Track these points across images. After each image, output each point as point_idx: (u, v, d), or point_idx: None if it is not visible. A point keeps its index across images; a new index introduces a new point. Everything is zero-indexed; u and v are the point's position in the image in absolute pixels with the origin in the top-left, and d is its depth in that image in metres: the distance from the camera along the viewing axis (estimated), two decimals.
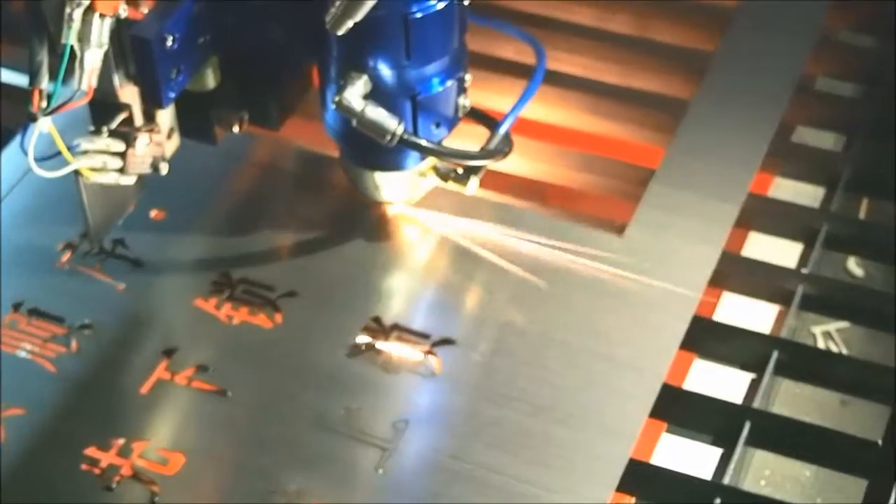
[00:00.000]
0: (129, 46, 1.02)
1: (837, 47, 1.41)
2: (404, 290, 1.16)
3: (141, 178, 1.08)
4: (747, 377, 1.13)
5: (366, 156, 1.15)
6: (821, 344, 1.17)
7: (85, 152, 1.03)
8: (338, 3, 0.99)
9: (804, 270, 1.20)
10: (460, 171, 1.15)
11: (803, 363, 1.13)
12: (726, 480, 1.04)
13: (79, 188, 1.05)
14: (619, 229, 1.20)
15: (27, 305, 1.14)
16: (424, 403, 1.07)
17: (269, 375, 1.09)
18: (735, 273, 1.19)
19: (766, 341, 1.14)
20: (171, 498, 1.01)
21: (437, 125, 1.11)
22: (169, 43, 1.02)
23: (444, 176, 1.16)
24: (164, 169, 1.08)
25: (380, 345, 1.10)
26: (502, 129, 1.13)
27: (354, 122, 1.07)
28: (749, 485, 1.08)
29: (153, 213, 1.20)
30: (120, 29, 1.00)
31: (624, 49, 1.41)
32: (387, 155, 1.13)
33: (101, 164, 1.04)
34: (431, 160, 1.15)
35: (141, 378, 1.08)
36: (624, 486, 1.03)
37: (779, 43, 1.36)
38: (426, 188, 1.19)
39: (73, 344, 1.11)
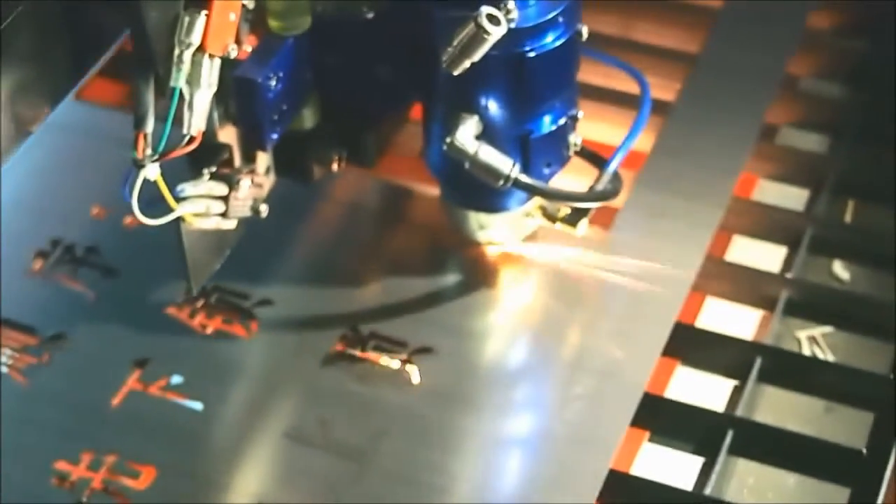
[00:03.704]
0: (232, 87, 0.99)
1: (822, 48, 1.39)
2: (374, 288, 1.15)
3: (240, 221, 1.04)
4: (730, 384, 1.12)
5: (471, 196, 1.11)
6: (806, 349, 1.15)
7: (188, 198, 0.99)
8: (455, 43, 0.96)
9: (789, 275, 1.18)
10: (568, 211, 1.11)
11: (787, 370, 1.12)
12: (708, 490, 1.03)
13: (179, 234, 1.01)
14: (601, 233, 1.18)
15: None
16: (401, 414, 1.05)
17: (243, 386, 1.08)
18: (718, 278, 1.18)
19: (749, 348, 1.12)
20: None
21: (549, 165, 1.07)
22: (273, 83, 1.00)
23: (552, 217, 1.12)
24: (264, 211, 1.05)
25: (357, 354, 1.09)
26: (611, 168, 1.09)
27: (466, 164, 1.02)
28: (732, 494, 1.06)
29: (127, 220, 1.18)
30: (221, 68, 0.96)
31: (608, 49, 1.39)
32: (493, 195, 1.08)
33: (204, 208, 1.01)
34: (537, 200, 1.11)
35: (113, 389, 1.07)
36: (604, 498, 1.01)
37: (763, 44, 1.35)
38: (530, 228, 1.15)
39: (44, 354, 1.09)
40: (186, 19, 0.91)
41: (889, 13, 1.35)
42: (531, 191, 1.06)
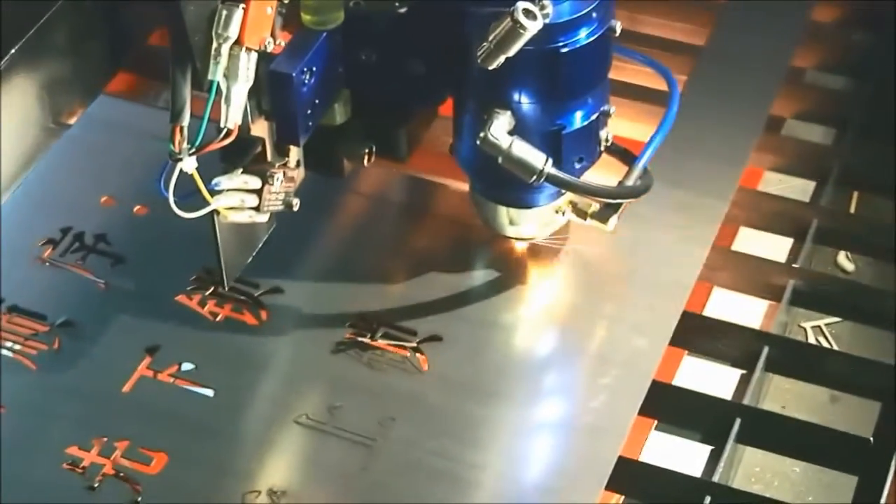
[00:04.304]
0: (266, 81, 0.99)
1: (827, 41, 1.40)
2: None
3: (271, 215, 1.05)
4: (737, 373, 1.12)
5: (502, 191, 1.11)
6: (811, 339, 1.16)
7: (223, 191, 1.00)
8: (491, 38, 0.95)
9: (795, 265, 1.19)
10: (598, 207, 1.10)
11: (794, 359, 1.12)
12: (716, 478, 1.03)
13: (213, 227, 1.01)
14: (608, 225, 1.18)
15: (7, 302, 1.12)
16: (410, 401, 1.06)
17: (254, 373, 1.08)
18: (725, 268, 1.18)
19: (756, 337, 1.13)
20: (154, 497, 1.00)
21: (580, 160, 1.07)
22: (306, 78, 1.00)
23: (583, 212, 1.11)
24: (296, 205, 1.05)
25: (367, 342, 1.09)
26: (641, 163, 1.08)
27: (500, 159, 1.02)
28: (739, 482, 1.07)
29: (136, 209, 1.19)
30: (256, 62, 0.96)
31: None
32: (525, 191, 1.08)
33: (238, 202, 1.01)
34: (568, 195, 1.10)
35: (123, 376, 1.07)
36: (613, 485, 1.02)
37: (768, 37, 1.35)
38: (559, 223, 1.14)
39: (55, 341, 1.10)
40: (224, 13, 0.92)
41: (893, 6, 1.36)
42: (564, 186, 1.05)
